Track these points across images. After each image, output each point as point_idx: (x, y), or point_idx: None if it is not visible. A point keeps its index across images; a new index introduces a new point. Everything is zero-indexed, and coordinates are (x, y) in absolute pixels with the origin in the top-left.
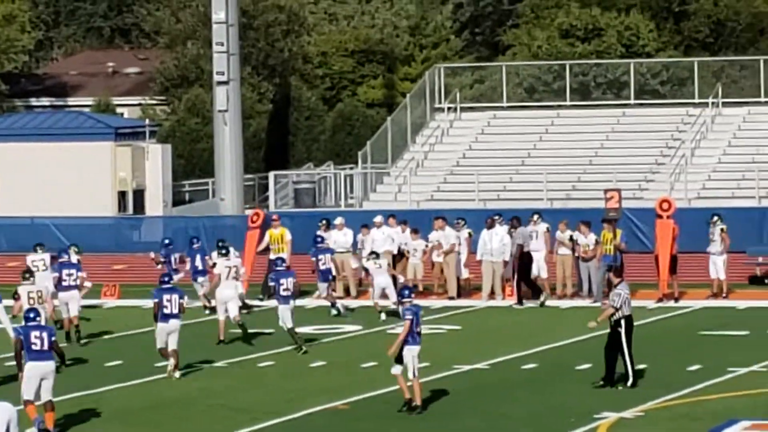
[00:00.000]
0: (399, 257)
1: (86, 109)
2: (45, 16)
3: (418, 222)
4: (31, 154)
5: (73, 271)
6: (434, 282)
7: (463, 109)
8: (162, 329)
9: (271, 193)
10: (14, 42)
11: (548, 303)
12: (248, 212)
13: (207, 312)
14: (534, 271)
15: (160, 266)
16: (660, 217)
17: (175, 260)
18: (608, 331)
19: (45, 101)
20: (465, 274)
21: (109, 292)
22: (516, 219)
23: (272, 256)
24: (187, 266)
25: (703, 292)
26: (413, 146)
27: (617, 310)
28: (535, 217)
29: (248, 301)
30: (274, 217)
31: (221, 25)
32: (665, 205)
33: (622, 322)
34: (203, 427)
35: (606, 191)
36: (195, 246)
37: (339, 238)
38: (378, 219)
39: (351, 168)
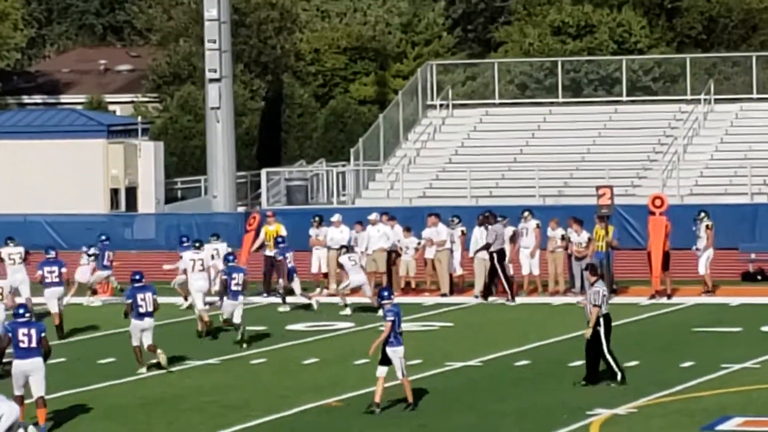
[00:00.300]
0: (393, 255)
1: (79, 107)
2: (37, 14)
3: (411, 219)
4: (23, 152)
5: (55, 268)
6: (427, 279)
7: (455, 106)
8: (135, 327)
9: (263, 190)
10: (7, 39)
11: (541, 300)
12: (240, 209)
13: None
14: (525, 268)
15: (88, 261)
16: (653, 213)
17: (108, 256)
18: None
19: (37, 99)
20: (459, 271)
21: (101, 290)
22: (491, 215)
23: (268, 252)
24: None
25: (695, 288)
26: (405, 143)
27: (596, 306)
28: (526, 213)
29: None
30: (269, 213)
31: (213, 23)
32: (658, 202)
33: (601, 320)
34: (195, 424)
35: (598, 188)
36: (185, 244)
37: (335, 235)
38: (373, 216)
39: (343, 165)
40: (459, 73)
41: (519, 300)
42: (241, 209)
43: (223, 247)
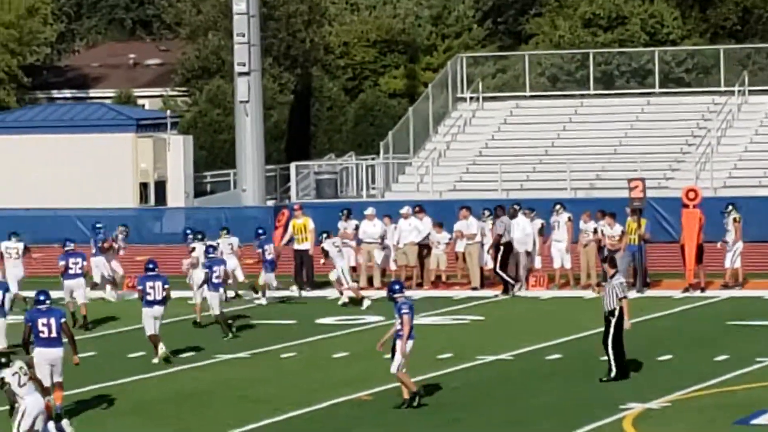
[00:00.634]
0: (425, 249)
1: (108, 101)
2: (67, 9)
3: (441, 212)
4: (53, 146)
5: (79, 259)
6: (458, 272)
7: (485, 99)
8: (146, 314)
9: (292, 183)
10: (36, 34)
11: (573, 293)
12: (269, 203)
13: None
14: (557, 262)
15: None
16: (686, 206)
17: (101, 242)
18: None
19: (67, 93)
20: (490, 264)
21: (131, 284)
22: (500, 208)
23: (296, 246)
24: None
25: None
26: (435, 136)
27: (625, 298)
28: (558, 207)
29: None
30: (296, 206)
31: (242, 16)
32: (692, 195)
33: (616, 312)
34: (224, 418)
35: (630, 181)
36: (190, 237)
37: (368, 228)
38: (405, 210)
39: (373, 158)
40: (489, 66)
41: (551, 293)
42: (270, 203)
43: (236, 241)
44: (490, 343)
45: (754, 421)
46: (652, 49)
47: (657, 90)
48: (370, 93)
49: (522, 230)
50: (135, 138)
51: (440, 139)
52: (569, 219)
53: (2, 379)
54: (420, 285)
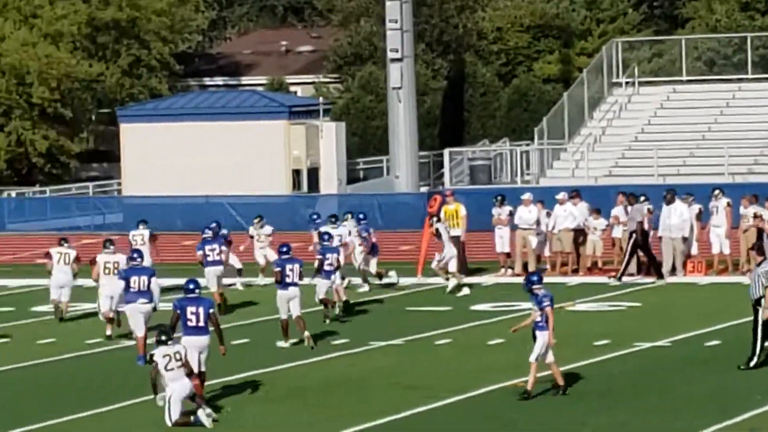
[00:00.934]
0: (580, 234)
1: (260, 88)
2: None
3: (596, 198)
4: (205, 133)
5: (216, 245)
6: (614, 258)
7: (641, 84)
8: (281, 297)
9: (446, 170)
10: (188, 22)
11: (732, 279)
12: (423, 189)
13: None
14: (716, 247)
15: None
16: None
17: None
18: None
19: (219, 80)
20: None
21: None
22: (632, 196)
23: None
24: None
25: None
26: (590, 122)
27: None
28: (717, 192)
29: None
30: (448, 192)
31: (395, 2)
32: None
33: (762, 300)
34: (378, 405)
35: None
36: (317, 221)
37: (524, 214)
38: (561, 195)
39: (527, 144)
40: (645, 50)
41: (709, 279)
42: (423, 189)
43: (352, 224)
44: (647, 329)
45: None
46: None
47: None
48: (524, 78)
49: (679, 216)
50: (288, 125)
51: (595, 125)
52: (728, 204)
53: (152, 355)
54: (575, 271)
